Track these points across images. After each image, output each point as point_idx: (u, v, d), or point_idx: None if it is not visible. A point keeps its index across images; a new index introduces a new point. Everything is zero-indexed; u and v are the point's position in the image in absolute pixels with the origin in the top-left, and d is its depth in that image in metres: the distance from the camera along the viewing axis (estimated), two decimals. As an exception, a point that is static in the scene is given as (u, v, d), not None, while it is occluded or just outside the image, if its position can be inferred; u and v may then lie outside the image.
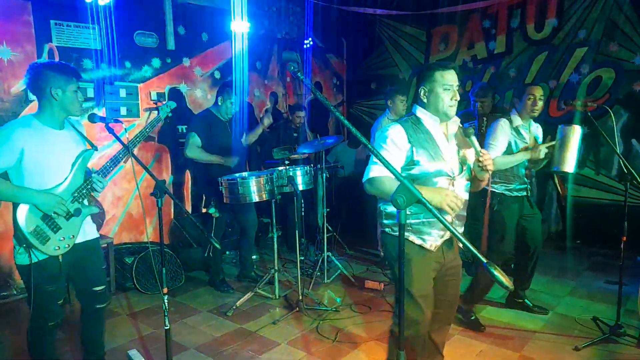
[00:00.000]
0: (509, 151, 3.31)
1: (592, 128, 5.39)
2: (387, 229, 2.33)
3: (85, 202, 2.45)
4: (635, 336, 3.19)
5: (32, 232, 2.23)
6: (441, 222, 1.54)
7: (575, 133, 3.14)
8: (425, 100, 2.26)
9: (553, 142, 3.25)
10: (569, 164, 3.15)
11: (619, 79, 5.26)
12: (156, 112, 5.08)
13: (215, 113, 4.23)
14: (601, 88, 5.38)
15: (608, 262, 4.84)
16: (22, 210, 2.22)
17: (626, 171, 3.06)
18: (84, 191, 2.40)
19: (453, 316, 2.57)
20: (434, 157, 2.20)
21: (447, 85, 2.19)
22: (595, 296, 4.02)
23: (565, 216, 5.70)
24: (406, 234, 2.19)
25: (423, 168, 2.19)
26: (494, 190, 3.43)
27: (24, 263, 2.27)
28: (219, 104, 4.19)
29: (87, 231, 2.51)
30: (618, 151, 3.20)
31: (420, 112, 2.28)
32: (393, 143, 2.19)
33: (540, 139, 3.52)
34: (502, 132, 3.29)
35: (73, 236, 2.38)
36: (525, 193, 3.47)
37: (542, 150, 3.22)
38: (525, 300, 3.73)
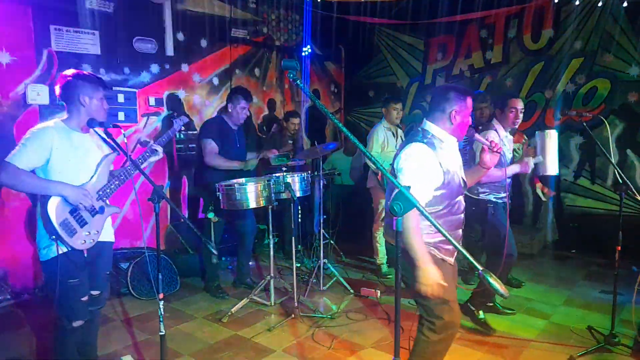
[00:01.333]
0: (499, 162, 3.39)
1: (588, 138, 5.45)
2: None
3: (108, 201, 2.56)
4: (629, 345, 3.20)
5: (61, 223, 2.35)
6: (440, 231, 1.55)
7: (552, 137, 3.30)
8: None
9: (538, 156, 3.40)
10: (552, 167, 3.32)
11: (614, 90, 5.32)
12: (156, 118, 5.09)
13: (226, 120, 4.21)
14: (597, 98, 5.43)
15: (603, 272, 4.85)
16: (53, 203, 2.34)
17: (621, 181, 3.08)
18: (108, 190, 2.52)
19: None
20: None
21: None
22: (590, 305, 4.03)
23: (561, 226, 5.74)
24: (433, 250, 2.28)
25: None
26: (484, 198, 3.59)
27: (48, 257, 2.38)
28: (230, 110, 4.17)
29: (107, 231, 2.62)
30: (613, 161, 3.22)
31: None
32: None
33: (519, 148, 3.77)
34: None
35: (97, 232, 2.50)
36: (507, 201, 3.55)
37: (531, 165, 3.40)
38: (496, 303, 3.81)
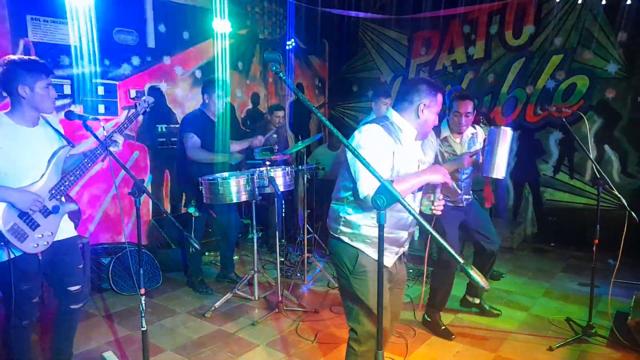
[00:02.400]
0: (436, 162, 3.24)
1: (567, 133, 5.55)
2: (343, 237, 2.20)
3: (63, 199, 2.42)
4: (605, 336, 3.29)
5: (10, 229, 2.20)
6: (419, 221, 1.55)
7: (505, 136, 2.92)
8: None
9: (477, 149, 3.17)
10: (499, 169, 2.95)
11: (593, 86, 5.42)
12: (133, 109, 5.01)
13: (206, 112, 4.17)
14: (576, 94, 5.53)
15: (581, 265, 4.97)
16: None
17: (599, 176, 3.14)
18: (62, 188, 2.36)
19: (395, 326, 2.58)
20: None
21: None
22: (568, 297, 4.12)
23: (540, 219, 5.84)
24: (364, 247, 2.17)
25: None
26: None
27: (2, 259, 2.24)
28: (206, 101, 4.13)
29: (65, 229, 2.48)
30: (591, 156, 3.27)
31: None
32: None
33: (478, 145, 3.40)
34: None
35: (51, 233, 2.36)
36: (469, 200, 3.46)
37: (465, 159, 3.04)
38: (482, 301, 3.76)
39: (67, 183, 2.37)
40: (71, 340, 2.72)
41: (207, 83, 4.21)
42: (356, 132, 2.17)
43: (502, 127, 2.95)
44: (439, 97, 2.19)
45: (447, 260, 3.34)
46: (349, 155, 2.14)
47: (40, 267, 2.36)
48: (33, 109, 2.28)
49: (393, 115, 2.20)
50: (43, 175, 2.30)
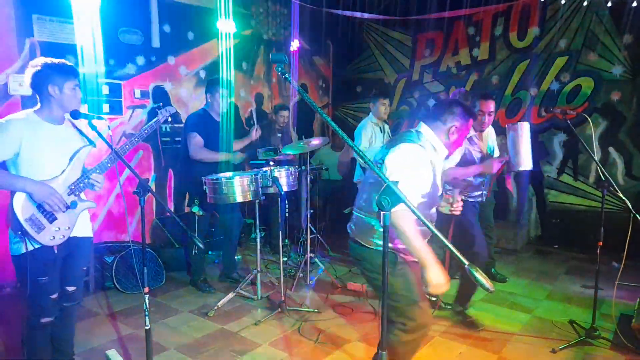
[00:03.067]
0: (464, 160, 3.36)
1: (571, 135, 5.54)
2: (378, 248, 2.26)
3: (83, 195, 2.50)
4: (609, 339, 3.27)
5: (28, 219, 2.28)
6: (427, 226, 1.56)
7: (522, 130, 3.18)
8: None
9: (505, 157, 3.28)
10: (526, 161, 3.20)
11: (598, 88, 5.40)
12: (142, 111, 5.03)
13: (210, 112, 4.18)
14: (580, 96, 5.51)
15: (585, 267, 4.95)
16: (18, 199, 2.28)
17: (603, 178, 3.13)
18: (81, 185, 2.46)
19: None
20: None
21: None
22: (572, 300, 4.11)
23: (544, 221, 5.83)
24: (399, 246, 2.24)
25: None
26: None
27: (18, 253, 2.32)
28: (209, 101, 4.15)
29: (83, 227, 2.56)
30: (596, 158, 3.26)
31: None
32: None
33: (493, 146, 3.63)
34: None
35: (68, 227, 2.44)
36: (480, 199, 3.58)
37: (495, 166, 3.22)
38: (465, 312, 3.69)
39: (87, 180, 2.47)
40: (71, 338, 2.73)
41: (210, 83, 4.23)
42: (394, 150, 2.19)
43: (519, 122, 3.18)
44: (471, 122, 2.29)
45: (476, 252, 3.38)
46: (387, 162, 2.20)
47: (57, 261, 2.43)
48: (60, 108, 2.39)
49: (426, 131, 2.28)
50: (64, 171, 2.40)
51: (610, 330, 3.39)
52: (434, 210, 2.37)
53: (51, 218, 2.35)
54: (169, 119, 2.91)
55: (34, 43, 4.20)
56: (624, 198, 2.99)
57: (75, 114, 2.41)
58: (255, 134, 4.42)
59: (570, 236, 5.57)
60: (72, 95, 2.39)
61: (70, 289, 2.56)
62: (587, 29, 5.39)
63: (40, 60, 2.37)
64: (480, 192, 3.57)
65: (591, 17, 5.34)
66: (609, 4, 5.16)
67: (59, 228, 2.38)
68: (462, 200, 3.36)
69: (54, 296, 2.44)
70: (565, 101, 5.61)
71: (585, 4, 5.33)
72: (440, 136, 2.27)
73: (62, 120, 2.45)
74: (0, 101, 4.04)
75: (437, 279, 2.06)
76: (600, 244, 3.16)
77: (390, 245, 2.22)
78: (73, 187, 2.43)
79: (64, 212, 2.38)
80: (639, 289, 3.99)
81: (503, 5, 5.87)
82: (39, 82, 2.33)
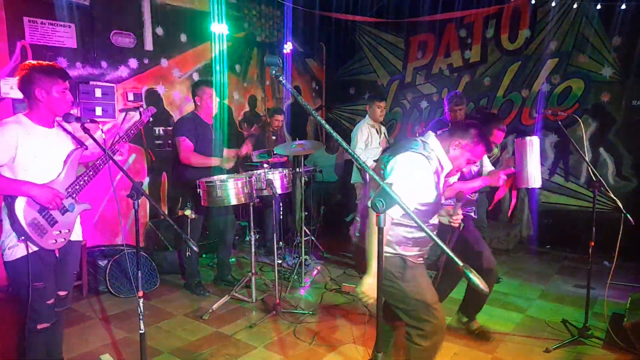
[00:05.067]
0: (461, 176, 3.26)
1: (563, 137, 5.60)
2: (385, 253, 2.20)
3: (77, 198, 2.50)
4: (601, 338, 3.31)
5: (30, 224, 2.28)
6: (424, 230, 1.57)
7: (532, 146, 2.91)
8: None
9: (512, 169, 3.06)
10: (534, 179, 2.93)
11: (588, 90, 5.47)
12: (136, 114, 5.01)
13: (199, 115, 4.14)
14: (571, 98, 5.57)
15: (577, 266, 4.99)
16: (20, 203, 2.27)
17: (594, 179, 3.17)
18: (77, 187, 2.46)
19: None
20: None
21: None
22: (564, 299, 4.14)
23: (536, 222, 5.88)
24: (407, 250, 2.26)
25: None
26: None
27: (14, 257, 2.29)
28: (198, 103, 4.11)
29: (77, 231, 2.56)
30: (587, 159, 3.29)
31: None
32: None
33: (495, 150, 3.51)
34: None
35: (69, 231, 2.45)
36: (471, 213, 3.43)
37: (501, 179, 3.03)
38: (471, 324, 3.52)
39: (82, 182, 2.48)
40: (60, 342, 2.69)
41: (196, 85, 4.19)
42: (397, 157, 2.19)
43: (528, 138, 2.93)
44: (480, 147, 2.29)
45: (487, 269, 3.20)
46: (389, 167, 2.21)
47: (56, 265, 2.42)
48: (49, 111, 2.37)
49: (435, 144, 2.28)
50: (60, 174, 2.40)
51: (603, 330, 3.43)
52: (435, 219, 2.36)
53: (52, 222, 2.36)
54: (150, 119, 2.92)
55: (25, 46, 4.17)
56: (614, 198, 3.03)
57: (67, 117, 2.40)
58: (245, 148, 4.39)
59: (562, 236, 5.63)
60: (60, 99, 2.35)
61: (62, 293, 2.55)
62: (577, 31, 5.45)
63: (28, 64, 2.34)
64: (472, 208, 3.43)
65: (581, 19, 5.40)
66: (599, 7, 5.23)
67: (60, 231, 2.39)
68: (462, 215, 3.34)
69: (50, 301, 2.43)
70: (556, 102, 5.66)
71: (575, 6, 5.39)
72: (445, 148, 2.28)
73: (53, 124, 2.43)
74: (-9, 104, 4.01)
75: (365, 288, 2.10)
76: (592, 243, 3.20)
77: (400, 251, 2.26)
78: (70, 190, 2.43)
79: (63, 214, 2.39)
80: (630, 288, 4.03)
81: (494, 7, 5.92)
82: (26, 85, 2.30)
